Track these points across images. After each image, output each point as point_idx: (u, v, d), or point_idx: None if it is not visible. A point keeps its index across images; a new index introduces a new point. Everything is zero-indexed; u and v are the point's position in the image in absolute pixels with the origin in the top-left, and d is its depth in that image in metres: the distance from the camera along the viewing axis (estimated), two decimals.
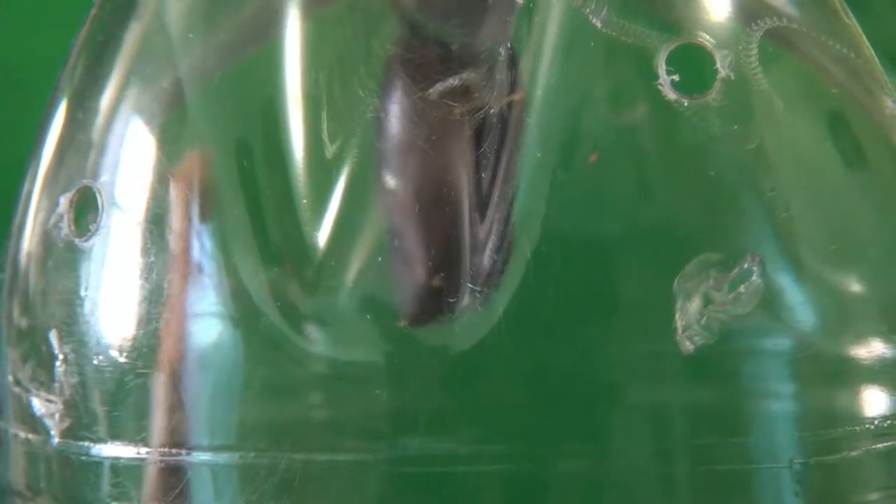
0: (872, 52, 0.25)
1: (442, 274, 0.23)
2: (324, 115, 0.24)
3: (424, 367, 0.23)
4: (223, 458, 0.24)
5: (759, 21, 0.23)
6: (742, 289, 0.23)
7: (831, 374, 0.25)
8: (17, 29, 0.42)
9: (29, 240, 0.27)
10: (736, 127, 0.24)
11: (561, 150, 0.24)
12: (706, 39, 0.23)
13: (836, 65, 0.25)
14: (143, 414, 0.25)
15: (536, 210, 0.23)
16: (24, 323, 0.27)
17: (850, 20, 0.25)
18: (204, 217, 0.24)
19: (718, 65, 0.23)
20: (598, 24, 0.23)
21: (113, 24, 0.27)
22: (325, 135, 0.24)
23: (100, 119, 0.26)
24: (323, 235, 0.24)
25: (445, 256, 0.23)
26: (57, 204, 0.26)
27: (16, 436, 0.27)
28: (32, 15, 0.41)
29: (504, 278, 0.23)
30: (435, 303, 0.23)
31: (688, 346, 0.22)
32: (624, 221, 0.24)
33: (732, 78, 0.22)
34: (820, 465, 0.24)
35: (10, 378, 0.27)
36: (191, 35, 0.26)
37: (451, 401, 0.23)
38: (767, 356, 0.24)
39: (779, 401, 0.24)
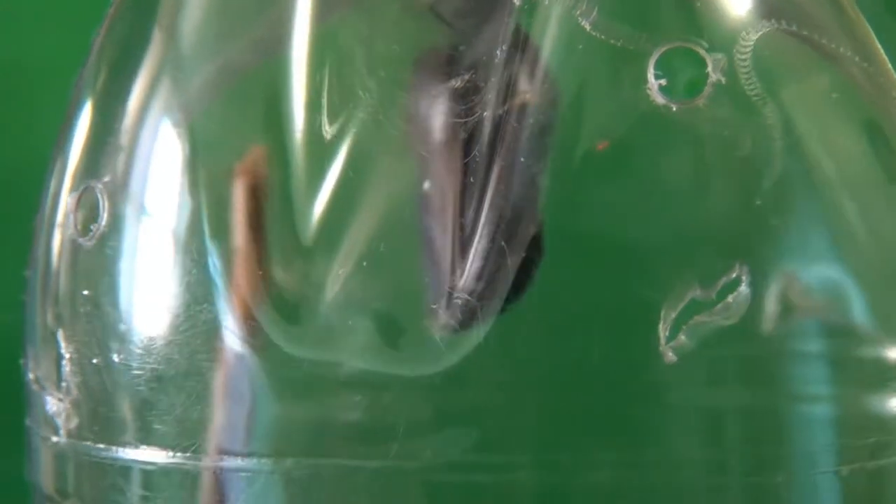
0: (882, 53, 0.24)
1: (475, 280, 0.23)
2: (322, 116, 0.24)
3: (439, 373, 0.23)
4: (227, 462, 0.24)
5: (756, 24, 0.23)
6: (730, 298, 0.22)
7: (876, 378, 0.24)
8: (17, 29, 0.42)
9: (59, 240, 0.28)
10: (781, 128, 0.23)
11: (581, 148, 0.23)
12: (699, 43, 0.22)
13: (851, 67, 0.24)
14: (142, 415, 0.25)
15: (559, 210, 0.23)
16: (39, 321, 0.27)
17: (857, 15, 0.24)
18: (257, 214, 0.24)
19: (710, 69, 0.22)
20: (587, 27, 0.22)
21: (136, 21, 0.27)
22: (324, 131, 0.24)
23: (118, 118, 0.26)
24: (317, 237, 0.24)
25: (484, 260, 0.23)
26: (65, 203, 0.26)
27: (45, 439, 0.27)
28: (32, 15, 0.41)
29: (495, 287, 0.23)
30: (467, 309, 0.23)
31: (670, 357, 0.22)
32: (661, 224, 0.23)
33: (724, 82, 0.22)
34: (863, 472, 0.24)
35: (31, 376, 0.28)
36: (217, 38, 0.27)
37: (471, 406, 0.23)
38: (809, 359, 0.23)
39: (821, 406, 0.24)
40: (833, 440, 0.24)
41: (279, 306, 0.23)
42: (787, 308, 0.23)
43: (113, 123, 0.26)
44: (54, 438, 0.27)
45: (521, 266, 0.23)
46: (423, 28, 0.25)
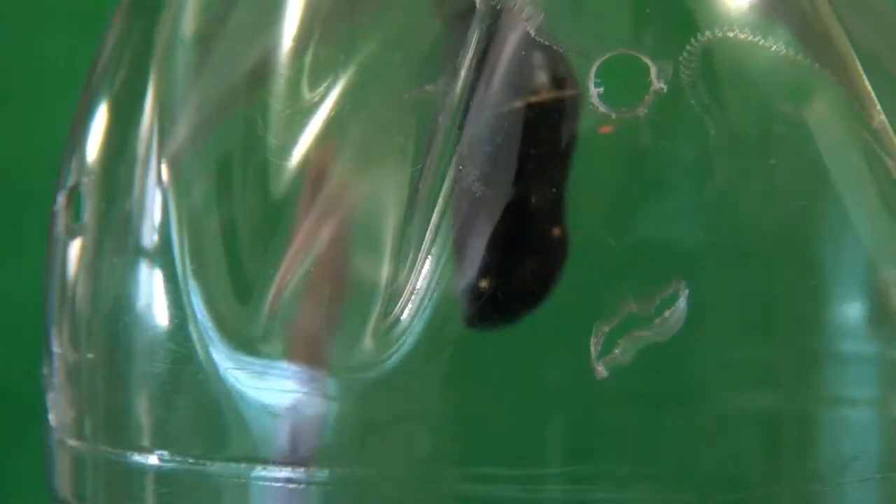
0: (854, 58, 0.23)
1: (492, 277, 0.23)
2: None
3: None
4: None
5: (705, 32, 0.22)
6: (667, 314, 0.21)
7: None
8: (19, 29, 0.42)
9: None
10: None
11: None
12: (643, 51, 0.22)
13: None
14: (110, 414, 0.25)
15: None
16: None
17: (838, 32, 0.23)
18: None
19: (653, 77, 0.21)
20: (532, 32, 0.22)
21: (137, 25, 0.28)
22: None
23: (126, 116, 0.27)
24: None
25: (497, 258, 0.23)
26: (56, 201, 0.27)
27: (50, 436, 0.28)
28: (32, 15, 0.41)
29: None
30: (491, 306, 0.23)
31: (602, 372, 0.21)
32: (692, 231, 0.23)
33: (665, 90, 0.21)
34: None
35: (46, 372, 0.29)
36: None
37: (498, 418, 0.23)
38: (856, 363, 0.23)
39: (862, 410, 0.23)
40: (880, 446, 0.23)
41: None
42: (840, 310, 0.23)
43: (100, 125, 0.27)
44: (52, 433, 0.27)
45: (541, 270, 0.23)
46: (419, 30, 0.25)
